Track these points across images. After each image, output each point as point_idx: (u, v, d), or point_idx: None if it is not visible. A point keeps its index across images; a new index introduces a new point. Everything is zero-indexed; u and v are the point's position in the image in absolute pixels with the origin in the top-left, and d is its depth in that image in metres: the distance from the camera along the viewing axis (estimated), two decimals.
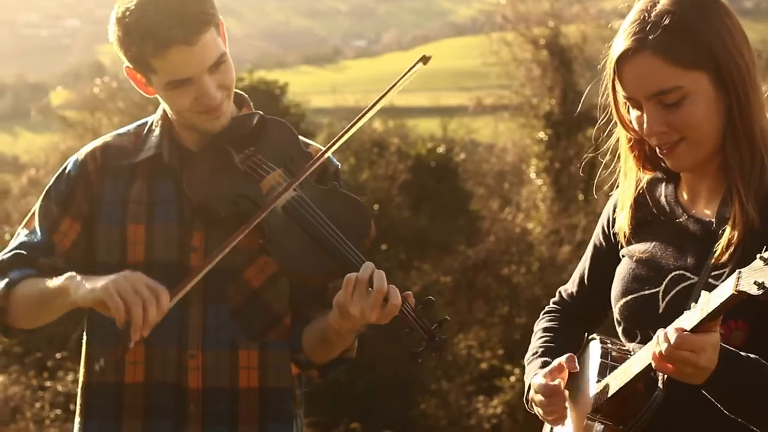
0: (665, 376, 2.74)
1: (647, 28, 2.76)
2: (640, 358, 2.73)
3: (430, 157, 21.21)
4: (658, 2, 2.79)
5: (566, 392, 2.93)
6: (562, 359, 2.94)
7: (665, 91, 2.74)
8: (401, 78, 3.21)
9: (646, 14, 2.78)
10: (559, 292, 3.33)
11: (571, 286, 3.29)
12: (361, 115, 3.23)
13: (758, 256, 2.46)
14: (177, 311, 3.15)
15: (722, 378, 2.62)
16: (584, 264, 3.23)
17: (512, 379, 17.90)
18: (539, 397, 2.95)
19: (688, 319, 2.58)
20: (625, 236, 3.01)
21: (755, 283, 2.42)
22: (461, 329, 18.77)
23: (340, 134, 3.23)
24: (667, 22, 2.74)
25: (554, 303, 3.33)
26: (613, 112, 2.92)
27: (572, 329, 3.21)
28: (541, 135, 21.20)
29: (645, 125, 2.79)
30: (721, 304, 2.50)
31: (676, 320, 2.61)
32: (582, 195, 20.43)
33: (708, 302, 2.53)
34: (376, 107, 3.24)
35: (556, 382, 2.92)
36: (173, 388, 3.25)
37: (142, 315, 2.96)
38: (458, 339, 18.54)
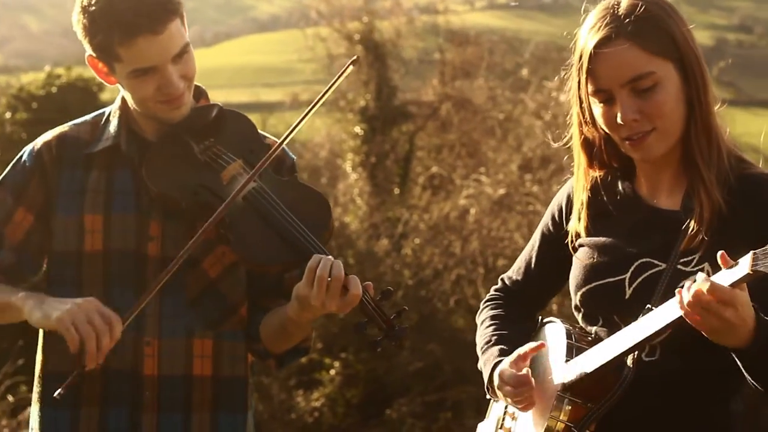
0: (635, 355, 2.85)
1: (618, 19, 2.88)
2: (623, 337, 2.81)
3: None
4: (621, 1, 2.93)
5: (533, 380, 2.97)
6: (526, 348, 3.01)
7: (640, 77, 2.86)
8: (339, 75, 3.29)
9: (614, 9, 2.91)
10: (502, 279, 3.38)
11: (515, 273, 3.34)
12: (311, 107, 3.34)
13: None
14: (134, 299, 3.16)
15: (756, 349, 2.67)
16: (531, 251, 3.28)
17: (332, 372, 17.95)
18: (508, 388, 2.99)
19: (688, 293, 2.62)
20: (577, 235, 3.08)
21: None
22: None
23: (293, 126, 3.31)
24: (636, 13, 2.88)
25: (496, 290, 3.38)
26: (574, 108, 3.00)
27: (518, 315, 3.27)
28: (357, 129, 21.34)
29: (619, 114, 2.87)
30: (734, 282, 2.57)
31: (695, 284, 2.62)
32: (398, 189, 20.65)
33: (717, 279, 2.59)
34: (325, 97, 3.33)
35: (523, 371, 2.98)
36: (129, 375, 3.25)
37: (96, 346, 3.02)
38: None
